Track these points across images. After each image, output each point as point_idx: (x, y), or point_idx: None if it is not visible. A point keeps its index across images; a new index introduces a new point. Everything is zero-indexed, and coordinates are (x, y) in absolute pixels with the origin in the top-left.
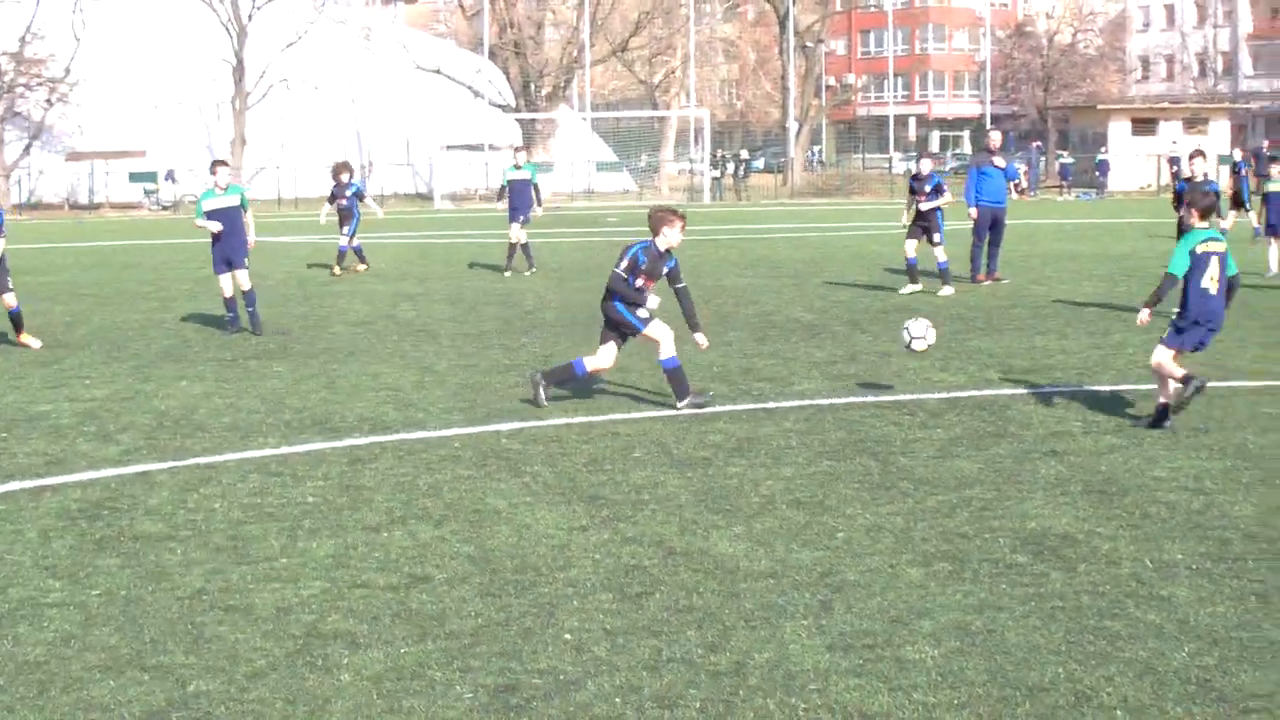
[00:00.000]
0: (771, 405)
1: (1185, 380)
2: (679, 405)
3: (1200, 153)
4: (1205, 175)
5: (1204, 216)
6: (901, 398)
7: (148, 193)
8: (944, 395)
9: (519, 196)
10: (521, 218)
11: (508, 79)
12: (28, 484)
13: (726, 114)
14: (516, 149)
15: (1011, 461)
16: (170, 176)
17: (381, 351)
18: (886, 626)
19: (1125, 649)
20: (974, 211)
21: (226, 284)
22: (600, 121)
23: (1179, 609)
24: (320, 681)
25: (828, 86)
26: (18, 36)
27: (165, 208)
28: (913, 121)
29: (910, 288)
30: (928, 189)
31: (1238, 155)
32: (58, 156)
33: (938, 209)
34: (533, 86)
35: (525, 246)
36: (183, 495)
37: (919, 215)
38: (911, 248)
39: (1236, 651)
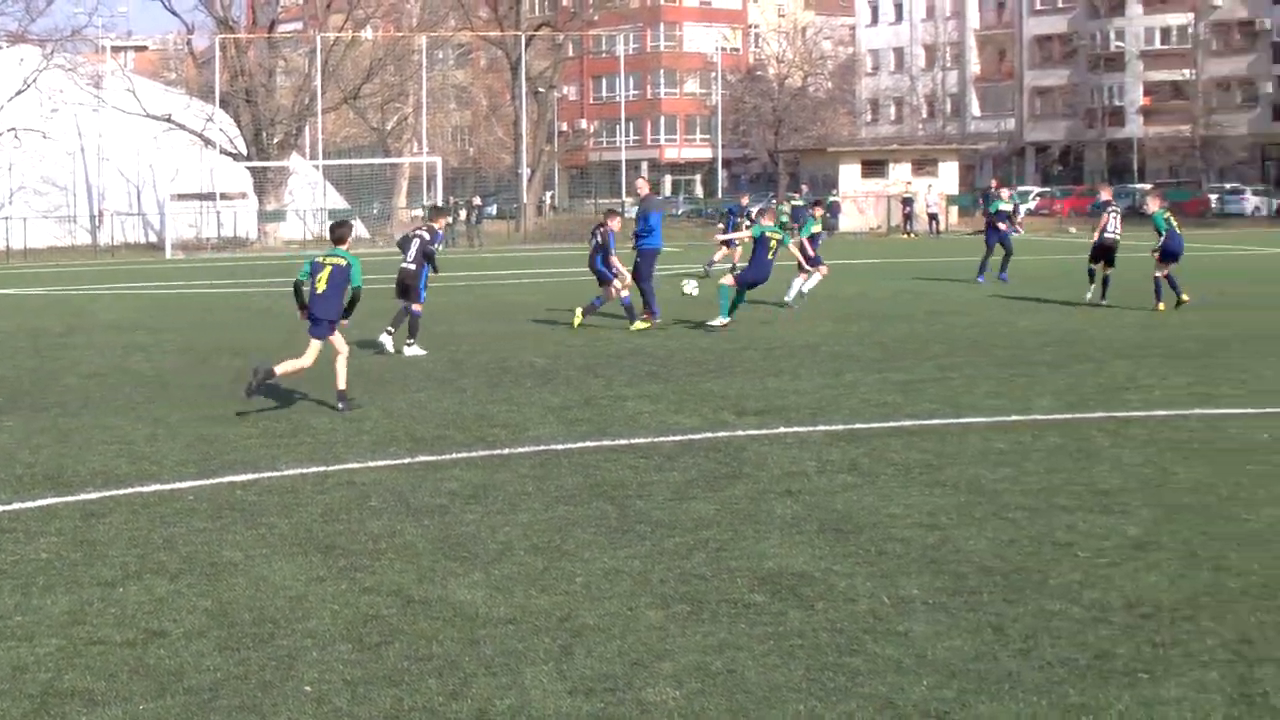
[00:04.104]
0: (506, 451)
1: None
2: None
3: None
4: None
5: (338, 242)
6: (636, 441)
7: None
8: (679, 438)
9: None
10: None
11: (239, 127)
12: None
13: (459, 160)
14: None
15: (748, 502)
16: None
17: (114, 404)
18: (627, 669)
19: (865, 684)
20: None
21: None
22: (332, 169)
23: (916, 643)
24: None
25: (560, 132)
26: None
27: None
28: (644, 165)
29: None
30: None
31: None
32: None
33: None
34: (264, 134)
35: None
36: None
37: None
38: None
39: (974, 684)
